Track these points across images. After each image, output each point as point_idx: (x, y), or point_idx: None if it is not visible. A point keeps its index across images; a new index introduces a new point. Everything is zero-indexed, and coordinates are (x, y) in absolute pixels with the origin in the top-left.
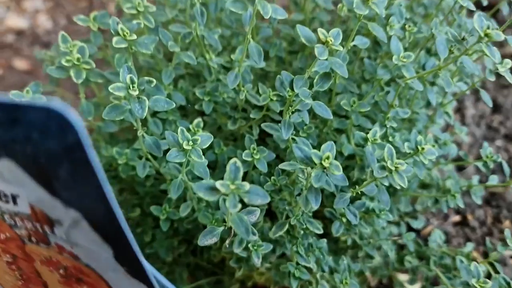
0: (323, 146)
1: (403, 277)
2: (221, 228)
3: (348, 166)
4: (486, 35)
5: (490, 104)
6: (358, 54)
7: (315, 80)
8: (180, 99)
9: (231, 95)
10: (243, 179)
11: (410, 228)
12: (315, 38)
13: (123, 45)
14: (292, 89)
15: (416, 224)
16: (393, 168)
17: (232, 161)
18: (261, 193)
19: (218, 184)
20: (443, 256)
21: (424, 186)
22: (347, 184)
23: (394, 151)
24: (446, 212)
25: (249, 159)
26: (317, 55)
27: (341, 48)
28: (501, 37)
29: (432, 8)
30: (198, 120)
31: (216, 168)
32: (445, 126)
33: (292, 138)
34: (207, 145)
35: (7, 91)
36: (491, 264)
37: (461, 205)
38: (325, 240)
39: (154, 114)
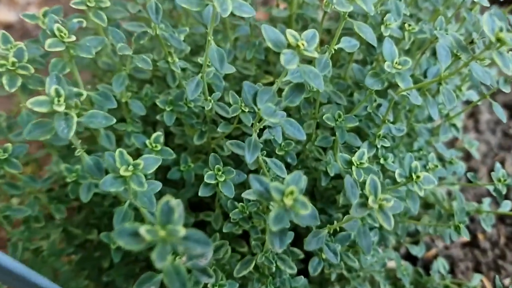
0: (287, 178)
1: None
2: (161, 276)
3: (336, 187)
4: (498, 39)
5: (504, 119)
6: (351, 56)
7: (284, 93)
8: (139, 109)
9: (200, 103)
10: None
11: (410, 254)
12: (284, 41)
13: (59, 49)
14: (255, 103)
15: (417, 251)
16: (375, 206)
17: (164, 200)
18: (202, 239)
19: (142, 230)
20: None
21: (427, 205)
22: (318, 223)
23: (378, 184)
24: None
25: (213, 181)
26: (283, 63)
27: (315, 54)
28: None
29: (440, 4)
30: (158, 134)
31: (181, 187)
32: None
33: (263, 159)
34: (153, 170)
35: None
36: None
37: (467, 237)
38: (302, 277)
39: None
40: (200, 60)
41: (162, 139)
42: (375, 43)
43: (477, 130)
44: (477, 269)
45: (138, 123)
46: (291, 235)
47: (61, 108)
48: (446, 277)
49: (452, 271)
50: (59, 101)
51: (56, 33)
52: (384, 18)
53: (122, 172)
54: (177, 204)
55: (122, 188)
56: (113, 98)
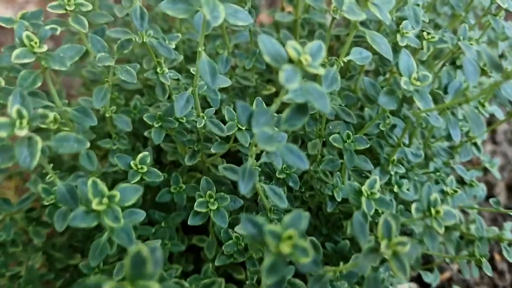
0: (285, 218)
1: None
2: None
3: (342, 211)
4: None
5: None
6: (362, 67)
7: (284, 115)
8: (125, 124)
9: (193, 118)
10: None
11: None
12: (284, 55)
13: (28, 60)
14: (249, 126)
15: (431, 279)
16: (389, 252)
17: (134, 249)
18: None
19: (107, 286)
20: None
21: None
22: (320, 269)
23: (393, 225)
24: None
25: (204, 210)
26: (283, 81)
27: (320, 71)
28: None
29: (461, 9)
30: (145, 154)
31: (173, 210)
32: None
33: (261, 185)
34: (132, 201)
35: None
36: None
37: (490, 273)
38: None
39: (94, 139)
40: (193, 70)
41: (149, 160)
42: (390, 57)
43: (494, 141)
44: None
45: (125, 139)
46: (291, 270)
47: (23, 132)
48: None
49: None
50: (21, 123)
51: (26, 42)
52: (401, 26)
53: (94, 206)
54: (152, 251)
55: (94, 224)
56: (92, 114)
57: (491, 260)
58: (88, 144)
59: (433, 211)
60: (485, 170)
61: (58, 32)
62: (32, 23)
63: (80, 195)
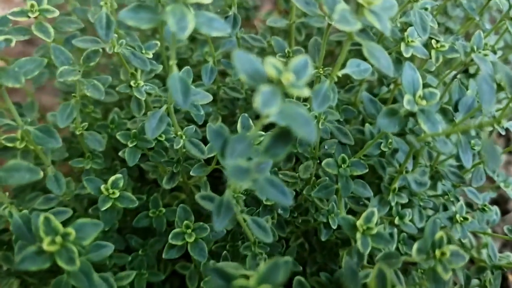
0: (261, 269)
1: None
2: None
3: (338, 238)
4: None
5: None
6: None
7: (262, 145)
8: (97, 144)
9: (169, 136)
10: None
11: None
12: (263, 73)
13: None
14: (222, 156)
15: None
16: None
17: None
18: None
19: None
20: None
21: None
22: None
23: (387, 276)
24: None
25: (179, 242)
26: (259, 106)
27: (305, 92)
28: None
29: (475, 12)
30: (117, 176)
31: (151, 235)
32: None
33: (243, 217)
34: (91, 238)
35: None
36: None
37: None
38: None
39: (68, 158)
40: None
41: (122, 183)
42: (391, 72)
43: (509, 151)
44: None
45: (99, 158)
46: None
47: None
48: None
49: None
50: None
51: None
52: (406, 34)
53: (46, 246)
54: None
55: (46, 266)
56: (56, 134)
57: (504, 281)
58: (41, 174)
59: (438, 252)
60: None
61: (13, 44)
62: None
63: (34, 231)
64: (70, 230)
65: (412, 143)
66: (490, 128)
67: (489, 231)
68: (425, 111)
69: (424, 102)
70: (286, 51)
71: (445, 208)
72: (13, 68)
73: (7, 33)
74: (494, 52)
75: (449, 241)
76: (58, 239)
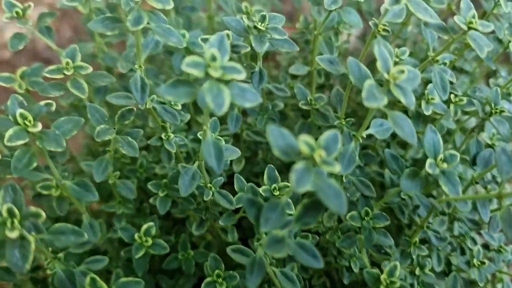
0: None
1: None
2: None
3: (362, 280)
4: None
5: None
6: None
7: (295, 214)
8: (129, 192)
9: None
10: None
11: None
12: (296, 147)
13: (21, 142)
14: (258, 225)
15: None
16: None
17: None
18: None
19: None
20: None
21: (471, 283)
22: None
23: None
24: None
25: None
26: (294, 184)
27: (336, 168)
28: None
29: (491, 61)
30: (149, 225)
31: (180, 277)
32: None
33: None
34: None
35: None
36: None
37: None
38: None
39: (105, 198)
40: (199, 135)
41: (154, 231)
42: (414, 140)
43: None
44: None
45: (130, 203)
46: None
47: (15, 234)
48: None
49: None
50: (12, 223)
51: (20, 120)
52: (426, 91)
53: None
54: None
55: None
56: (93, 189)
57: None
58: (86, 237)
59: None
60: None
61: (53, 108)
62: (32, 81)
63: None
64: None
65: (434, 205)
66: (510, 200)
67: (505, 269)
68: (446, 173)
69: (445, 165)
70: (308, 99)
71: (462, 250)
72: (53, 131)
73: (43, 89)
74: (509, 95)
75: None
76: None
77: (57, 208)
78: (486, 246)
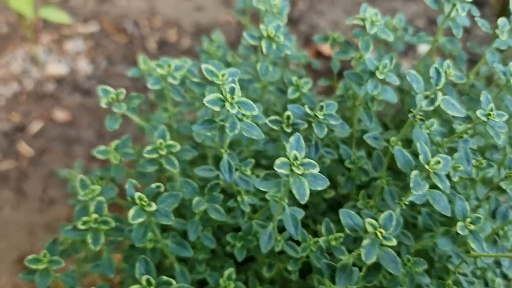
0: None
1: None
2: None
3: None
4: None
5: None
6: None
7: (362, 273)
8: (210, 242)
9: None
10: None
11: None
12: (361, 225)
13: (141, 219)
14: (333, 283)
15: None
16: None
17: None
18: None
19: None
20: None
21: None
22: None
23: None
24: None
25: None
26: (364, 258)
27: (393, 242)
28: None
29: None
30: (230, 271)
31: None
32: None
33: None
34: None
35: (48, 145)
36: None
37: None
38: None
39: None
40: (268, 196)
41: (234, 275)
42: (448, 213)
43: None
44: None
45: (207, 249)
46: None
47: None
48: None
49: None
50: None
51: (137, 202)
52: (453, 161)
53: None
54: None
55: None
56: (189, 246)
57: None
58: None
59: None
60: None
61: (162, 189)
62: (123, 152)
63: None
64: None
65: (464, 259)
66: None
67: None
68: (473, 233)
69: (472, 227)
70: (352, 158)
71: (486, 285)
72: (162, 208)
73: (142, 165)
74: None
75: None
76: None
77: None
78: (505, 276)
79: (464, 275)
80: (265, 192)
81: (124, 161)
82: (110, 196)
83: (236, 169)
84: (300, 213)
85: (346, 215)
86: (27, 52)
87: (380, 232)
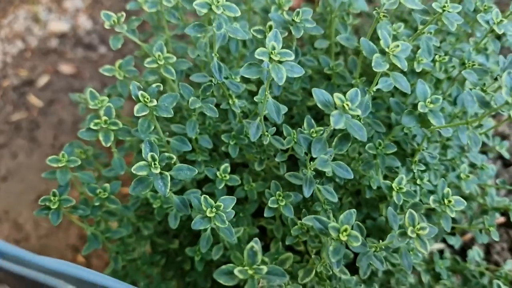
0: (341, 217)
1: None
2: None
3: (379, 195)
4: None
5: None
6: None
7: (333, 144)
8: (207, 143)
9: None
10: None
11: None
12: (331, 101)
13: (145, 113)
14: (310, 153)
15: (453, 241)
16: (413, 235)
17: (249, 246)
18: (280, 272)
19: (236, 271)
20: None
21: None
22: (367, 249)
23: (416, 216)
24: None
25: (275, 205)
26: (333, 124)
27: (358, 112)
28: None
29: (467, 26)
30: (225, 165)
31: (246, 203)
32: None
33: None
34: (230, 208)
35: (56, 96)
36: None
37: (496, 238)
38: (354, 278)
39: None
40: (256, 99)
41: (229, 169)
42: (408, 91)
43: None
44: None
45: (206, 152)
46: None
47: (157, 171)
48: (481, 264)
49: (488, 252)
50: (155, 165)
51: (141, 98)
52: (417, 55)
53: (208, 214)
54: (258, 247)
55: (209, 226)
56: (188, 142)
57: (509, 219)
58: (196, 171)
59: (446, 201)
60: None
61: (161, 88)
62: (127, 69)
63: (194, 206)
64: (220, 203)
65: (426, 133)
66: (476, 123)
67: (490, 182)
68: (433, 111)
69: (431, 105)
70: (330, 65)
71: (454, 169)
72: (163, 104)
73: (144, 75)
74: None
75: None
76: (214, 209)
77: None
78: (473, 165)
79: (429, 153)
80: (254, 95)
81: (128, 77)
82: (118, 105)
83: (227, 77)
84: (284, 108)
85: (318, 93)
86: (28, 12)
87: (347, 105)
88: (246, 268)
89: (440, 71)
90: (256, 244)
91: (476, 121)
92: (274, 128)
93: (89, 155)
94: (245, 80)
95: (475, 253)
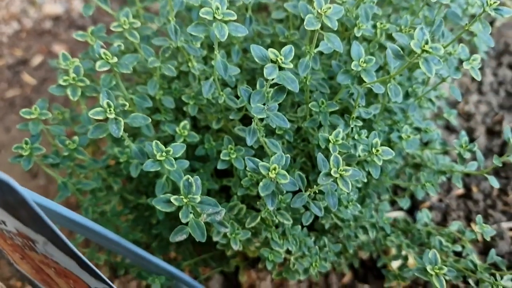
0: (272, 158)
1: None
2: (174, 196)
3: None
4: (425, 51)
5: (459, 98)
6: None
7: (270, 95)
8: (169, 103)
9: (215, 96)
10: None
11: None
12: (268, 56)
13: (106, 68)
14: (249, 103)
15: (403, 203)
16: (337, 175)
17: (184, 178)
18: (212, 203)
19: (173, 199)
20: (429, 233)
21: (417, 166)
22: (297, 189)
23: (340, 159)
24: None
25: (227, 158)
26: (266, 75)
27: (290, 66)
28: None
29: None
30: (185, 122)
31: (207, 161)
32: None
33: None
34: (180, 154)
35: (49, 75)
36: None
37: (432, 194)
38: (299, 227)
39: (153, 112)
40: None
41: (188, 126)
42: (341, 50)
43: (480, 92)
44: (467, 217)
45: (170, 113)
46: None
47: (112, 116)
48: (429, 224)
49: (444, 219)
50: (110, 111)
51: (103, 56)
52: (357, 21)
53: (158, 157)
54: (195, 180)
55: (159, 169)
56: (148, 99)
57: (469, 191)
58: (150, 120)
59: (374, 151)
60: (469, 117)
61: (122, 47)
62: (99, 36)
63: (147, 151)
64: (169, 148)
65: (359, 90)
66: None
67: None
68: (366, 70)
69: (365, 65)
70: (285, 34)
71: (398, 131)
72: (124, 61)
73: (111, 39)
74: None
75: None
76: (164, 154)
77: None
78: (418, 129)
79: (366, 109)
80: (211, 59)
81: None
82: (87, 67)
83: (187, 42)
84: (236, 70)
85: (256, 48)
86: None
87: (281, 59)
88: (181, 196)
89: (381, 37)
90: (192, 178)
91: (396, 74)
92: (229, 89)
93: (66, 117)
94: (211, 49)
95: (424, 215)
